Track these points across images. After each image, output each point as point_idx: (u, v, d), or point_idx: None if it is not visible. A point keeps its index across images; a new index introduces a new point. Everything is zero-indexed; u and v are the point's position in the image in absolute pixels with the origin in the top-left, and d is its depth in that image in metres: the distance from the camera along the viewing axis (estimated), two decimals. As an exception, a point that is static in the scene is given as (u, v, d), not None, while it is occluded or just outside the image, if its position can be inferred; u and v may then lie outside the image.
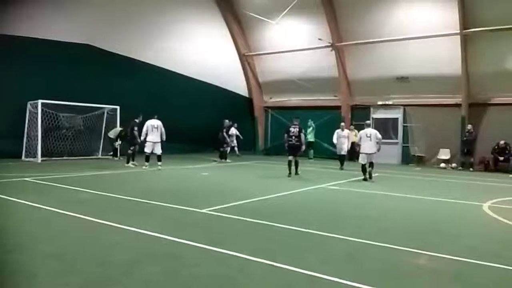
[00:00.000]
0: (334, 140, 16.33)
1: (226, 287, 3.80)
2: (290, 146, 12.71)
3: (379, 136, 12.30)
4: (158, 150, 13.73)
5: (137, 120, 14.27)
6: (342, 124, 16.72)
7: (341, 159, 15.90)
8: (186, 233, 5.54)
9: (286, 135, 12.86)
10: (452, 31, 16.88)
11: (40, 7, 14.81)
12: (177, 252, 4.77)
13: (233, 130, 20.05)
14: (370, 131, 12.45)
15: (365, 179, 12.13)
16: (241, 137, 20.48)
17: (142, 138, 13.82)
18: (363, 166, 12.20)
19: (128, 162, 14.48)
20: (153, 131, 13.58)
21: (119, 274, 3.99)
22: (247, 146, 22.12)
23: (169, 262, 4.38)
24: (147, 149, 13.66)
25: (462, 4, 16.30)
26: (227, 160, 17.41)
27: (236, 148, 20.49)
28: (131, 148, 14.52)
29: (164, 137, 13.75)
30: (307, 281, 3.98)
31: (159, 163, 13.69)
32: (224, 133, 17.54)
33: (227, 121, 17.22)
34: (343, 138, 15.97)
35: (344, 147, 15.93)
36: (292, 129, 12.70)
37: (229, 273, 4.13)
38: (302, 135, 12.70)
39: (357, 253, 4.92)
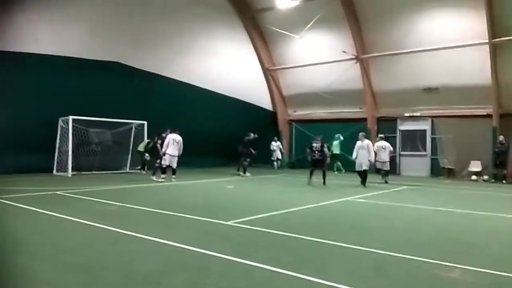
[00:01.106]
0: (354, 155, 13.73)
1: (251, 298, 3.76)
2: (314, 161, 13.50)
3: (391, 148, 15.34)
4: (174, 164, 14.09)
5: (164, 135, 14.48)
6: (362, 134, 14.08)
7: (363, 175, 13.53)
8: (212, 244, 5.53)
9: (309, 150, 13.71)
10: (480, 40, 16.49)
11: (71, 27, 15.39)
12: (202, 263, 4.75)
13: (275, 144, 22.04)
14: (385, 143, 15.00)
15: (386, 182, 14.62)
16: (283, 151, 22.44)
17: (163, 150, 14.08)
18: (380, 171, 15.00)
19: (153, 175, 14.56)
20: (173, 145, 13.92)
21: (145, 284, 4.01)
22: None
23: (194, 274, 4.37)
24: (166, 162, 13.98)
25: (490, 13, 15.94)
26: (246, 174, 16.97)
27: (278, 162, 21.84)
28: (158, 162, 14.69)
29: (180, 152, 14.14)
30: (334, 293, 3.89)
31: (174, 176, 14.06)
32: (243, 147, 17.29)
33: (252, 134, 17.20)
34: (362, 150, 13.47)
35: (364, 161, 13.37)
36: (315, 144, 13.45)
37: (254, 285, 4.08)
38: (325, 150, 13.48)
39: (385, 266, 4.78)
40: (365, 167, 13.45)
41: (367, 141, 13.82)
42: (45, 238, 5.92)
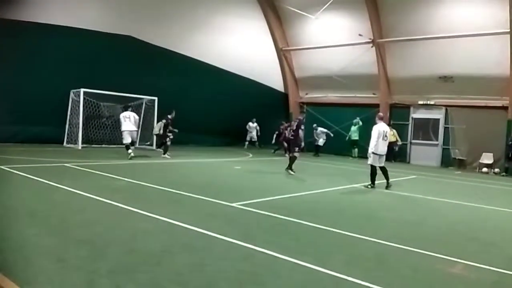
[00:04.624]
0: (374, 144, 10.00)
1: (250, 282, 3.77)
2: (286, 140, 12.70)
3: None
4: (134, 138, 14.08)
5: (169, 116, 14.39)
6: (380, 114, 11.16)
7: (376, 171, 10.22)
8: (215, 226, 5.55)
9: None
10: (501, 29, 15.99)
11: (86, -1, 15.30)
12: (204, 244, 4.78)
13: (252, 126, 21.09)
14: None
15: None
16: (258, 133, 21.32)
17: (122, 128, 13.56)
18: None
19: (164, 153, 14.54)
20: (126, 122, 13.46)
21: (147, 263, 4.04)
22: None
23: (197, 254, 4.40)
24: (126, 140, 13.46)
25: (514, 1, 15.40)
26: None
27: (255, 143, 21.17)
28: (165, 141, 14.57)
29: (136, 127, 14.07)
30: (332, 282, 3.89)
31: (132, 147, 13.56)
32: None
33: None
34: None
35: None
36: (292, 122, 12.55)
37: (255, 269, 4.09)
38: (300, 132, 11.97)
39: (387, 257, 4.75)
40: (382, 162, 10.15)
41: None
42: (54, 212, 5.97)
